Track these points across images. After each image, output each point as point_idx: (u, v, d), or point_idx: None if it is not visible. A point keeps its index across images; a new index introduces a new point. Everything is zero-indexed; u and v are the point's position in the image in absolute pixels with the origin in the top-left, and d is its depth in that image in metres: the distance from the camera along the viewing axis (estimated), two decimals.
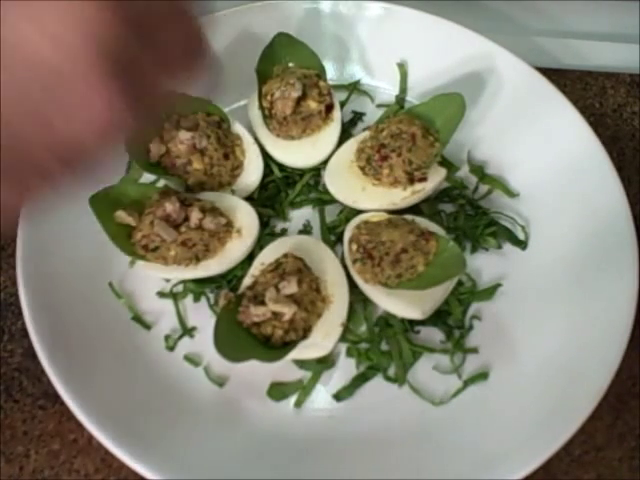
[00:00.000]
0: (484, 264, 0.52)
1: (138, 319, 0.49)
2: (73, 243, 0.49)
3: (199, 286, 0.50)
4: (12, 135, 0.25)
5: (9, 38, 0.24)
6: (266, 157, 0.54)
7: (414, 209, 0.52)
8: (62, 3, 0.25)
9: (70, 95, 0.25)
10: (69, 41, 0.24)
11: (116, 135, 0.28)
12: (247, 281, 0.48)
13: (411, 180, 0.51)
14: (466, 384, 0.46)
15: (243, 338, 0.44)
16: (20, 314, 0.45)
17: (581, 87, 0.65)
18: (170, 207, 0.47)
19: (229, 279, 0.50)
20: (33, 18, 0.24)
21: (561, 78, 0.64)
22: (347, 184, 0.53)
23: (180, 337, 0.48)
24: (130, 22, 0.26)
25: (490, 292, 0.50)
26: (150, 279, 0.50)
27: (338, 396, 0.46)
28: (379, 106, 0.60)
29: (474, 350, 0.48)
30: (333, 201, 0.54)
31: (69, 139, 0.26)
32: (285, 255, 0.48)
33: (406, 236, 0.47)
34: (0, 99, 0.25)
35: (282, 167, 0.55)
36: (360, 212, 0.52)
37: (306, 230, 0.53)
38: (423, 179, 0.51)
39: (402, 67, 0.60)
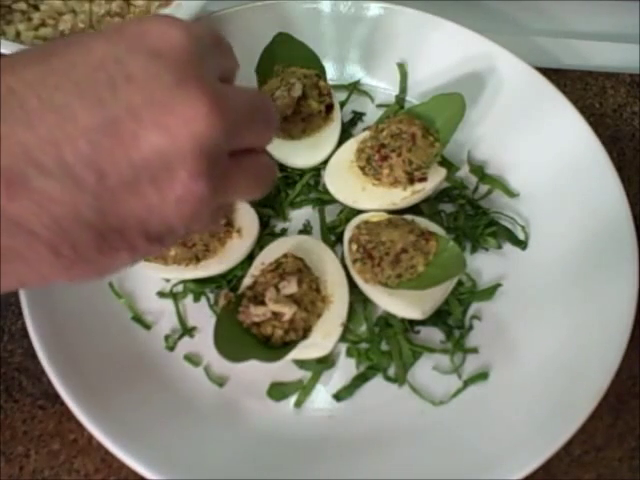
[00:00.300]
0: (484, 264, 0.52)
1: (138, 319, 0.49)
2: None
3: (199, 286, 0.50)
4: (112, 209, 0.27)
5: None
6: None
7: (414, 209, 0.52)
8: (184, 97, 0.27)
9: (170, 182, 0.27)
10: (179, 133, 0.27)
11: (197, 228, 0.31)
12: (247, 281, 0.48)
13: (411, 180, 0.51)
14: (466, 384, 0.46)
15: (243, 338, 0.44)
16: (20, 314, 0.45)
17: (581, 87, 0.65)
18: None
19: (229, 279, 0.50)
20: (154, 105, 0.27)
21: (561, 78, 0.64)
22: (347, 184, 0.53)
23: (180, 337, 0.48)
24: (229, 131, 0.28)
25: (490, 292, 0.50)
26: (150, 279, 0.50)
27: (338, 396, 0.46)
28: (379, 106, 0.60)
29: (474, 350, 0.48)
30: (333, 201, 0.54)
31: (160, 220, 0.28)
32: (285, 255, 0.48)
33: (406, 236, 0.47)
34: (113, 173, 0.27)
35: (282, 167, 0.55)
36: (360, 212, 0.52)
37: (306, 230, 0.53)
38: (423, 179, 0.51)
39: (402, 67, 0.60)
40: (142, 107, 0.27)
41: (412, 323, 0.48)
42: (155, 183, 0.27)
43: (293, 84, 0.53)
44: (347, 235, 0.50)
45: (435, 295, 0.47)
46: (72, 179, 0.26)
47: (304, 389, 0.46)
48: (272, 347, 0.44)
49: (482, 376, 0.46)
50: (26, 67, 0.27)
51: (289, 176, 0.55)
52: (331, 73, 0.60)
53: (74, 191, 0.26)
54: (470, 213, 0.54)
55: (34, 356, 0.44)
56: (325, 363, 0.47)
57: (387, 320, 0.48)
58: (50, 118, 0.26)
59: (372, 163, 0.51)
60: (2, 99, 0.25)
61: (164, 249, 0.31)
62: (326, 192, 0.54)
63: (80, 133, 0.26)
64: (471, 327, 0.49)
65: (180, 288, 0.50)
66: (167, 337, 0.48)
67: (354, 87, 0.60)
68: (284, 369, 0.46)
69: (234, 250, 0.49)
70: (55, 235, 0.27)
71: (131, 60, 0.27)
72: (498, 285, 0.50)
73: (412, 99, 0.60)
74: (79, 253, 0.28)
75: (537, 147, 0.55)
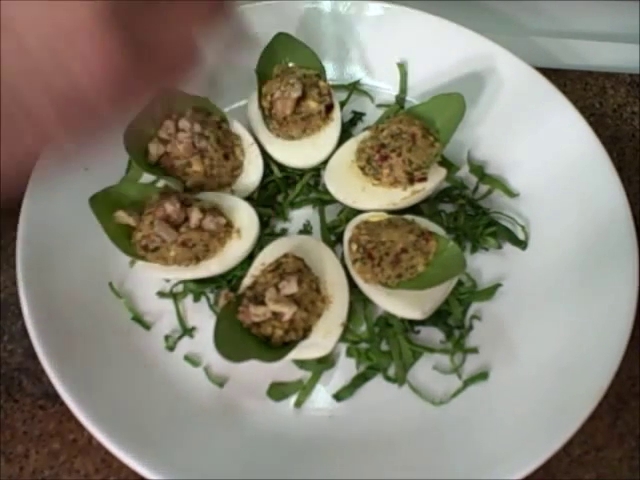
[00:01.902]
0: (484, 264, 0.52)
1: (138, 319, 0.49)
2: (73, 243, 0.49)
3: (199, 286, 0.50)
4: (12, 93, 0.27)
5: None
6: (266, 157, 0.54)
7: (414, 209, 0.52)
8: None
9: (71, 49, 0.27)
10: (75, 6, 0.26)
11: (118, 96, 0.30)
12: (247, 281, 0.48)
13: (411, 180, 0.51)
14: (466, 384, 0.46)
15: (243, 338, 0.44)
16: (20, 314, 0.45)
17: (581, 87, 0.65)
18: (170, 207, 0.47)
19: (229, 279, 0.50)
20: None
21: (561, 78, 0.64)
22: (347, 184, 0.53)
23: (180, 337, 0.48)
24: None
25: (490, 292, 0.50)
26: (150, 279, 0.50)
27: (338, 396, 0.46)
28: (379, 106, 0.60)
29: (474, 350, 0.48)
30: (333, 201, 0.54)
31: (71, 93, 0.28)
32: (285, 255, 0.48)
33: (406, 236, 0.47)
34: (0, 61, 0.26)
35: (282, 167, 0.55)
36: (360, 212, 0.52)
37: (306, 230, 0.53)
38: (423, 179, 0.51)
39: (402, 67, 0.60)
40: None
41: (412, 323, 0.48)
42: (46, 48, 0.27)
43: (293, 84, 0.53)
44: (347, 235, 0.50)
45: (435, 295, 0.47)
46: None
47: (304, 389, 0.46)
48: (272, 347, 0.44)
49: (482, 376, 0.46)
50: None
51: (289, 176, 0.56)
52: (331, 73, 0.60)
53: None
54: (470, 213, 0.54)
55: (34, 356, 0.43)
56: (325, 363, 0.47)
57: (387, 320, 0.48)
58: None
59: (372, 163, 0.51)
60: None
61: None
62: (326, 192, 0.54)
63: None
64: (471, 327, 0.49)
65: (180, 288, 0.50)
66: (167, 337, 0.48)
67: (354, 87, 0.60)
68: (284, 369, 0.46)
69: (234, 250, 0.49)
70: None
71: None
72: (498, 285, 0.50)
73: (412, 99, 0.60)
74: None
75: (537, 147, 0.55)
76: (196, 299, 0.50)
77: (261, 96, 0.55)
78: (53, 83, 0.28)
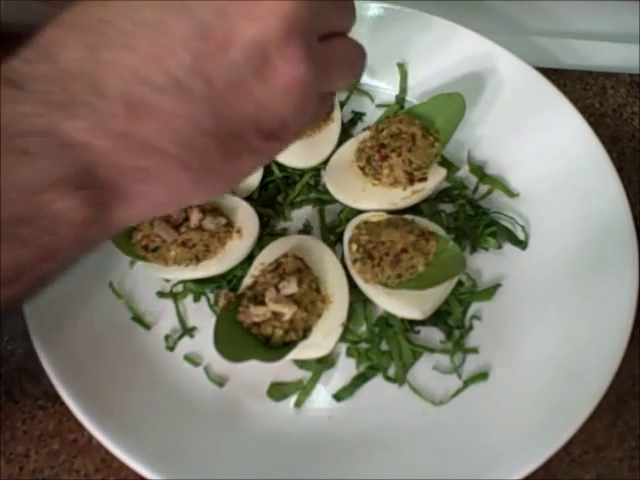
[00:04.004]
0: (484, 264, 0.52)
1: (138, 319, 0.49)
2: None
3: (199, 286, 0.50)
4: (225, 111, 0.28)
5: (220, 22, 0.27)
6: None
7: (414, 209, 0.52)
8: None
9: (272, 71, 0.28)
10: (268, 19, 0.27)
11: (306, 120, 0.31)
12: (247, 281, 0.48)
13: (411, 180, 0.51)
14: (466, 384, 0.46)
15: (243, 338, 0.44)
16: (20, 314, 0.45)
17: (581, 87, 0.65)
18: None
19: (229, 279, 0.50)
20: (237, 4, 0.27)
21: (561, 78, 0.64)
22: (347, 184, 0.53)
23: (180, 337, 0.48)
24: (314, 10, 0.29)
25: (490, 292, 0.50)
26: (150, 279, 0.50)
27: (338, 396, 0.46)
28: (379, 106, 0.60)
29: (474, 350, 0.48)
30: (333, 201, 0.54)
31: (271, 114, 0.29)
32: (285, 255, 0.48)
33: (406, 236, 0.47)
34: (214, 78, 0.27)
35: (282, 167, 0.55)
36: (360, 212, 0.52)
37: (306, 230, 0.53)
38: (423, 179, 0.51)
39: (402, 67, 0.60)
40: (228, 5, 0.27)
41: (412, 323, 0.48)
42: (258, 76, 0.28)
43: None
44: (347, 235, 0.50)
45: (435, 295, 0.47)
46: (182, 90, 0.27)
47: (304, 389, 0.46)
48: (272, 347, 0.44)
49: (482, 376, 0.46)
50: None
51: (289, 176, 0.56)
52: None
53: (187, 101, 0.27)
54: (470, 213, 0.54)
55: (34, 356, 0.43)
56: (325, 363, 0.47)
57: (387, 320, 0.48)
58: (146, 36, 0.26)
59: (372, 163, 0.51)
60: (98, 30, 0.26)
61: (281, 149, 0.32)
62: (326, 192, 0.54)
63: (178, 44, 0.26)
64: (471, 327, 0.49)
65: (180, 288, 0.50)
66: (167, 337, 0.48)
67: (354, 87, 0.60)
68: (284, 369, 0.46)
69: (234, 250, 0.49)
70: (180, 148, 0.28)
71: None
72: (498, 285, 0.50)
73: (412, 99, 0.60)
74: (205, 163, 0.29)
75: (537, 147, 0.55)
76: (196, 299, 0.50)
77: None
78: (255, 96, 0.29)
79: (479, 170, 0.56)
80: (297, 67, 0.28)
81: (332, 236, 0.53)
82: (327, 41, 0.32)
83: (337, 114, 0.56)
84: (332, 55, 0.32)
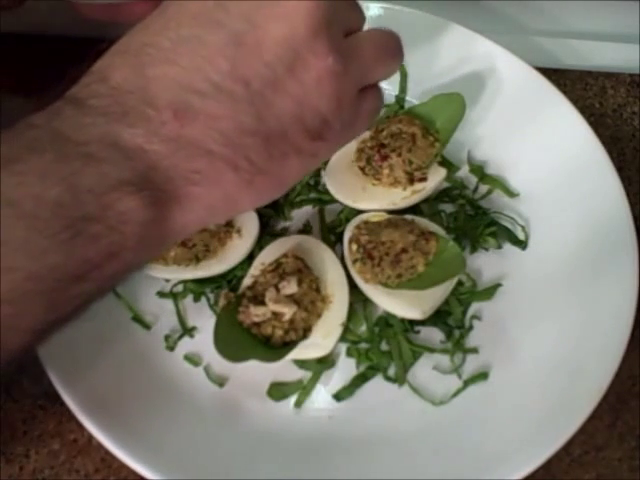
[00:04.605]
0: (484, 264, 0.52)
1: (138, 319, 0.49)
2: None
3: (199, 286, 0.50)
4: (265, 110, 0.30)
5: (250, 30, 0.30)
6: None
7: (414, 209, 0.52)
8: None
9: (304, 67, 0.30)
10: (293, 18, 0.30)
11: (347, 115, 0.33)
12: (247, 281, 0.48)
13: (411, 180, 0.51)
14: (466, 384, 0.46)
15: (243, 338, 0.44)
16: None
17: (581, 87, 0.65)
18: None
19: (229, 279, 0.50)
20: (262, 6, 0.30)
21: (561, 78, 0.64)
22: (347, 184, 0.53)
23: (180, 337, 0.48)
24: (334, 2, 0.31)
25: (490, 292, 0.50)
26: (150, 279, 0.50)
27: (338, 396, 0.46)
28: None
29: (474, 350, 0.48)
30: (333, 201, 0.54)
31: (311, 110, 0.31)
32: (285, 255, 0.48)
33: (406, 236, 0.47)
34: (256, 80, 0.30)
35: None
36: (360, 212, 0.52)
37: (306, 230, 0.53)
38: (423, 179, 0.51)
39: (402, 67, 0.60)
40: (252, 11, 0.30)
41: (412, 323, 0.48)
42: (292, 73, 0.30)
43: None
44: (347, 235, 0.50)
45: (435, 295, 0.47)
46: (224, 94, 0.29)
47: (304, 389, 0.46)
48: (272, 347, 0.44)
49: (482, 376, 0.46)
50: (150, 23, 0.31)
51: None
52: None
53: (230, 103, 0.29)
54: (470, 213, 0.54)
55: (34, 356, 0.43)
56: (325, 363, 0.47)
57: (387, 320, 0.48)
58: (186, 50, 0.29)
59: (372, 163, 0.51)
60: (142, 52, 0.30)
61: (328, 150, 0.34)
62: (326, 192, 0.54)
63: (215, 53, 0.29)
64: (471, 327, 0.49)
65: (180, 288, 0.50)
66: (167, 337, 0.48)
67: None
68: (284, 369, 0.46)
69: (234, 250, 0.49)
70: (228, 149, 0.30)
71: None
72: (498, 285, 0.50)
73: (412, 99, 0.59)
74: (253, 163, 0.31)
75: (537, 147, 0.55)
76: (196, 299, 0.50)
77: None
78: (295, 96, 0.31)
79: (479, 170, 0.56)
80: (325, 59, 0.30)
81: (332, 236, 0.53)
82: (353, 35, 0.33)
83: None
84: (361, 46, 0.33)
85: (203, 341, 0.47)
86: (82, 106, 0.28)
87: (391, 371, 0.47)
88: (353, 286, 0.48)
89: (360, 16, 0.36)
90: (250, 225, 0.50)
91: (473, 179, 0.56)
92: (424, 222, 0.50)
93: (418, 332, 0.49)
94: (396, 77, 0.60)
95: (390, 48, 0.37)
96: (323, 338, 0.46)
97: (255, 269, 0.48)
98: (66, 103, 0.29)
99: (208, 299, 0.50)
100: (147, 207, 0.28)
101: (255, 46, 0.29)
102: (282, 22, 0.30)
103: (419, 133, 0.51)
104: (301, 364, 0.47)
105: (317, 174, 0.56)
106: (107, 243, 0.28)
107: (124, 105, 0.29)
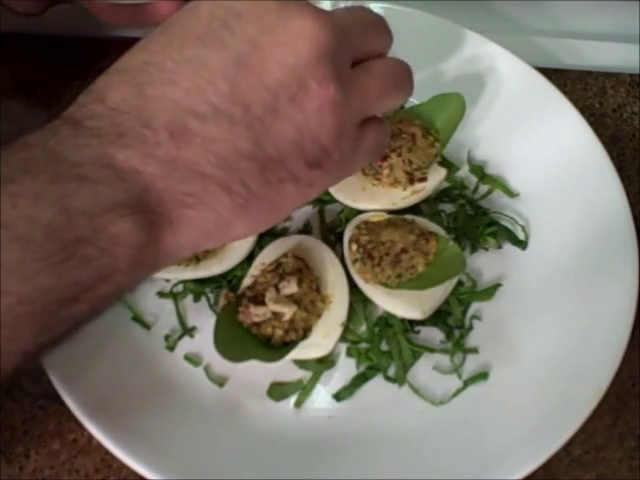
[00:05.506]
0: (484, 264, 0.52)
1: (138, 319, 0.49)
2: None
3: (199, 286, 0.50)
4: (263, 135, 0.30)
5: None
6: None
7: (414, 209, 0.52)
8: (290, 15, 0.30)
9: (305, 94, 0.30)
10: (297, 44, 0.30)
11: (347, 146, 0.33)
12: (247, 281, 0.48)
13: (411, 180, 0.51)
14: (466, 384, 0.46)
15: (243, 338, 0.44)
16: None
17: (581, 87, 0.65)
18: None
19: (229, 279, 0.50)
20: (269, 32, 0.30)
21: (561, 78, 0.64)
22: (347, 184, 0.53)
23: (180, 337, 0.48)
24: (341, 34, 0.31)
25: (490, 292, 0.50)
26: (150, 279, 0.50)
27: (338, 396, 0.46)
28: None
29: (474, 350, 0.48)
30: (333, 201, 0.54)
31: (311, 139, 0.31)
32: (285, 255, 0.48)
33: (406, 236, 0.47)
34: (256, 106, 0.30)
35: None
36: (360, 212, 0.52)
37: (306, 230, 0.53)
38: (423, 179, 0.51)
39: None
40: (258, 34, 0.29)
41: (412, 323, 0.48)
42: (294, 100, 0.30)
43: None
44: (347, 235, 0.50)
45: (435, 295, 0.47)
46: (222, 116, 0.29)
47: (304, 389, 0.46)
48: (272, 347, 0.44)
49: (482, 376, 0.46)
50: (151, 42, 0.31)
51: None
52: None
53: (228, 126, 0.29)
54: (470, 213, 0.54)
55: None
56: (325, 363, 0.47)
57: (387, 320, 0.48)
58: (187, 71, 0.29)
59: (372, 163, 0.51)
60: (142, 71, 0.29)
61: (326, 180, 0.34)
62: (326, 192, 0.54)
63: (216, 75, 0.29)
64: (471, 327, 0.49)
65: (180, 288, 0.50)
66: (167, 337, 0.48)
67: None
68: (284, 369, 0.46)
69: (234, 250, 0.49)
70: (223, 172, 0.29)
71: (235, 2, 0.30)
72: (498, 285, 0.50)
73: (412, 99, 0.59)
74: (248, 188, 0.30)
75: (537, 147, 0.55)
76: (196, 299, 0.50)
77: None
78: (295, 125, 0.30)
79: (479, 170, 0.56)
80: (327, 87, 0.30)
81: (332, 236, 0.53)
82: (362, 64, 0.33)
83: None
84: (366, 78, 0.33)
85: (203, 341, 0.47)
86: (79, 127, 0.28)
87: (391, 371, 0.47)
88: (353, 286, 0.48)
89: (384, 39, 0.36)
90: None
91: (473, 179, 0.56)
92: (424, 222, 0.50)
93: (418, 332, 0.49)
94: None
95: (399, 81, 0.37)
96: (323, 338, 0.46)
97: (255, 269, 0.48)
98: (63, 123, 0.29)
99: (208, 299, 0.50)
100: (140, 230, 0.28)
101: (258, 70, 0.29)
102: (287, 47, 0.29)
103: (419, 133, 0.51)
104: (301, 364, 0.47)
105: None
106: (99, 266, 0.28)
107: (120, 126, 0.28)
